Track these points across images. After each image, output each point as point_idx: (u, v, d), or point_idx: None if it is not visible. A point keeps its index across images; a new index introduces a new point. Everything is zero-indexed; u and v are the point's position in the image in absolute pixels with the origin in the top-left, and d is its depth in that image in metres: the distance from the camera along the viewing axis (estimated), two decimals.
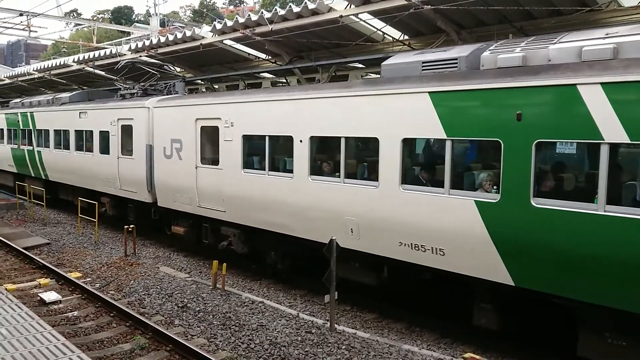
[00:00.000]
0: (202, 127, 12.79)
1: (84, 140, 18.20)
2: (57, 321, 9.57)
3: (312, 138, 10.07)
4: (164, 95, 15.58)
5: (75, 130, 18.62)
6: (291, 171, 10.53)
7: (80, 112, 18.27)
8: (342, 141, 9.47)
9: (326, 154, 10.33)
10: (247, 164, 11.67)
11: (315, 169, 10.19)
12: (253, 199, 11.38)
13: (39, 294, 10.79)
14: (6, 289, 9.43)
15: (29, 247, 15.03)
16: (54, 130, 20.22)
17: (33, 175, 22.17)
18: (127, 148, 15.78)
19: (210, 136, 12.68)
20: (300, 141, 10.18)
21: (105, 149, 16.77)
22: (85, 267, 13.45)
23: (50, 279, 12.12)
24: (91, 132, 17.57)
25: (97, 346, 8.61)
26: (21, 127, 23.12)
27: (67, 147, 19.19)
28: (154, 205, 15.00)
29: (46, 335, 6.88)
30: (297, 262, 11.85)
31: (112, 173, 16.34)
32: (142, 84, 16.87)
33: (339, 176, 9.61)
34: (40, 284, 11.68)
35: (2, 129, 25.58)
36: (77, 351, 6.48)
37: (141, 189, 15.11)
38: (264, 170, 11.15)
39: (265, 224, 11.24)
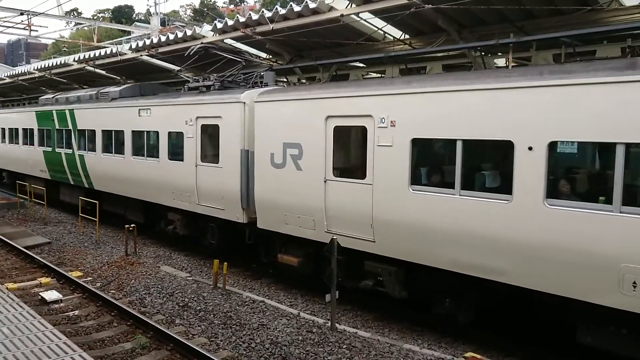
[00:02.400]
0: (336, 128, 9.81)
1: (145, 143, 15.08)
2: (58, 320, 9.58)
3: (551, 145, 7.02)
4: (248, 88, 12.61)
5: (133, 131, 15.54)
6: (507, 192, 7.42)
7: (140, 109, 15.12)
8: (620, 150, 6.43)
9: (583, 170, 7.54)
10: (417, 179, 8.60)
11: (556, 190, 7.15)
12: (428, 227, 8.31)
13: (40, 293, 10.79)
14: (7, 288, 9.43)
15: (30, 246, 15.03)
16: (103, 130, 17.09)
17: (72, 182, 19.23)
18: (209, 153, 12.86)
19: (349, 140, 10.21)
20: (530, 149, 7.13)
21: (177, 155, 13.66)
22: (86, 266, 13.46)
23: (51, 278, 12.13)
24: (156, 133, 14.48)
25: (98, 345, 8.62)
26: (57, 127, 19.90)
27: (120, 152, 16.08)
28: (250, 227, 11.99)
29: (47, 335, 6.88)
30: (485, 311, 9.06)
31: (187, 184, 13.18)
32: (222, 74, 13.65)
33: (609, 202, 6.59)
34: (41, 283, 11.69)
35: (31, 129, 22.42)
36: (79, 350, 6.49)
37: (232, 206, 12.03)
38: (452, 188, 8.00)
39: (451, 263, 8.12)
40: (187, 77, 15.24)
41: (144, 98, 15.74)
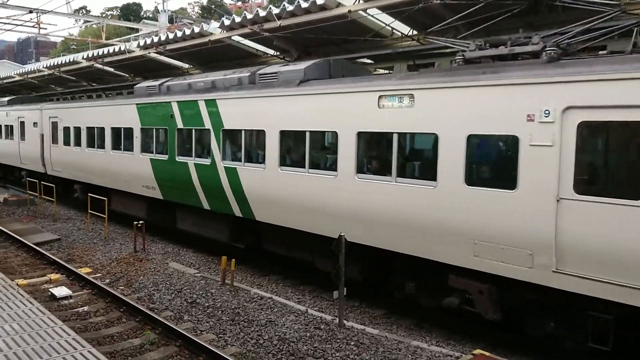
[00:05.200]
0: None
1: (400, 154, 9.07)
2: (67, 316, 9.64)
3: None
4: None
5: (396, 136, 8.98)
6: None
7: (402, 97, 8.90)
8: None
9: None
10: None
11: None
12: None
13: (50, 289, 10.88)
14: (17, 284, 9.49)
15: (40, 242, 15.13)
16: (284, 132, 11.05)
17: (209, 207, 13.19)
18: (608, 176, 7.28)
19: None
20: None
21: (500, 177, 7.83)
22: (95, 263, 13.54)
23: (61, 274, 12.21)
24: (434, 138, 8.45)
25: (108, 341, 8.67)
26: (179, 126, 14.00)
27: (331, 168, 10.11)
28: None
29: (57, 330, 6.93)
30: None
31: (532, 232, 7.28)
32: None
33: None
34: (50, 279, 11.77)
35: (128, 129, 16.26)
36: (88, 346, 6.52)
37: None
38: None
39: None
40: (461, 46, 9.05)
41: (365, 79, 10.15)
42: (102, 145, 17.72)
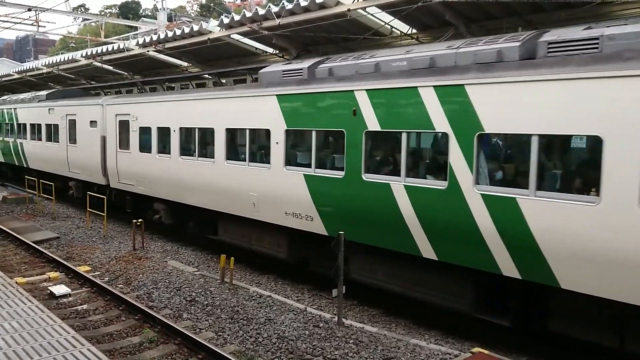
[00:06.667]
0: None
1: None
2: (66, 314, 9.65)
3: None
4: None
5: None
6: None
7: None
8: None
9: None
10: None
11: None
12: None
13: (49, 288, 10.88)
14: (16, 283, 9.50)
15: (39, 241, 15.13)
16: None
17: (436, 256, 8.52)
18: None
19: None
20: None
21: None
22: (94, 261, 13.54)
23: (60, 272, 12.21)
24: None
25: (107, 339, 8.68)
26: (370, 128, 9.26)
27: None
28: None
29: (56, 328, 6.93)
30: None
31: None
32: None
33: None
34: (50, 277, 11.77)
35: (256, 131, 11.81)
36: (87, 344, 6.53)
37: None
38: None
39: None
40: None
41: None
42: (206, 153, 13.10)
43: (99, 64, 21.63)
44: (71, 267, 12.30)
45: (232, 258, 11.53)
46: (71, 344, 6.48)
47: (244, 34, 14.90)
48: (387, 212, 8.98)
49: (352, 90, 9.52)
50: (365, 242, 9.49)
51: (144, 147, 15.47)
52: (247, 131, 11.80)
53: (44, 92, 24.13)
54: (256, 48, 16.21)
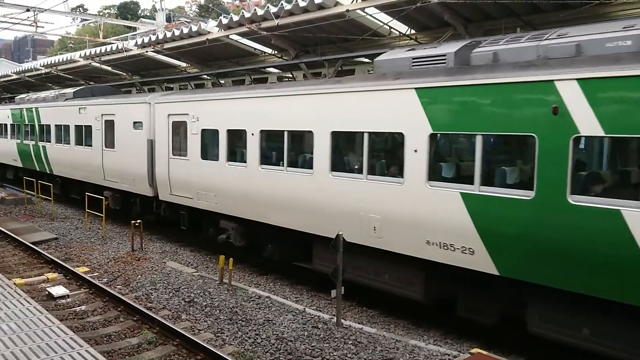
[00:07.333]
0: None
1: None
2: (65, 315, 9.62)
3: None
4: None
5: None
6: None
7: None
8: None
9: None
10: None
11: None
12: None
13: (47, 289, 10.85)
14: (15, 284, 9.48)
15: (37, 241, 15.10)
16: None
17: None
18: None
19: None
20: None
21: None
22: (92, 262, 13.52)
23: (58, 273, 12.18)
24: None
25: (105, 340, 8.65)
26: (589, 133, 6.73)
27: None
28: None
29: (54, 330, 6.91)
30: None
31: None
32: None
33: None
34: (48, 278, 11.75)
35: (381, 135, 9.34)
36: (85, 345, 6.51)
37: None
38: None
39: None
40: None
41: None
42: (299, 163, 10.78)
43: (98, 65, 21.62)
44: (70, 268, 12.27)
45: (231, 259, 11.52)
46: (69, 345, 6.46)
47: (242, 35, 14.91)
48: (614, 249, 6.47)
49: (552, 81, 6.97)
50: (566, 288, 7.04)
51: (208, 153, 13.00)
52: (365, 135, 9.27)
53: (70, 90, 21.37)
54: (255, 49, 16.22)
